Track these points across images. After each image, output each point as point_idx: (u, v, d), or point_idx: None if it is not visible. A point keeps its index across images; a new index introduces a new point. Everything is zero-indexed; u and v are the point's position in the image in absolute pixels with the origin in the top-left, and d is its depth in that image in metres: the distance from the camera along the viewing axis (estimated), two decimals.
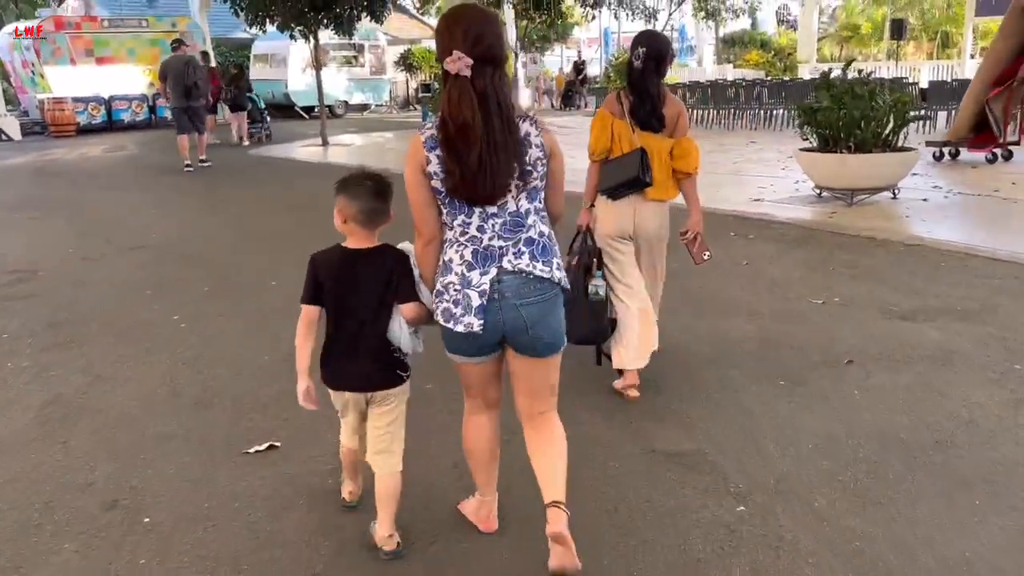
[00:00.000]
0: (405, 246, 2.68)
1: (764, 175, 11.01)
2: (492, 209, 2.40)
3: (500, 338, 2.49)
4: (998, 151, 10.98)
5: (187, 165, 13.03)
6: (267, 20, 16.69)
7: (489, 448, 2.77)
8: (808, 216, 8.04)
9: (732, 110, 19.07)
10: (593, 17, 30.43)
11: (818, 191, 8.90)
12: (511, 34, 24.88)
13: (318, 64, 17.72)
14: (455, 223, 2.44)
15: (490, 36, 2.36)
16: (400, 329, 2.62)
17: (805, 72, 30.27)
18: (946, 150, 11.37)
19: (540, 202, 2.48)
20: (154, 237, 8.13)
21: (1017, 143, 11.13)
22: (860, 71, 8.75)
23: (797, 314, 5.05)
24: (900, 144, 8.45)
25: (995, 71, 10.79)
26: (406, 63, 30.33)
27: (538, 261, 2.44)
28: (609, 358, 4.05)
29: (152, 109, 23.54)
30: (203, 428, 3.79)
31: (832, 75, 8.62)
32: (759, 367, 4.26)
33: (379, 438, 2.74)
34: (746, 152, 13.72)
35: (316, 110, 19.26)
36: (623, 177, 3.74)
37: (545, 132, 2.45)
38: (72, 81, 22.02)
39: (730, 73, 29.52)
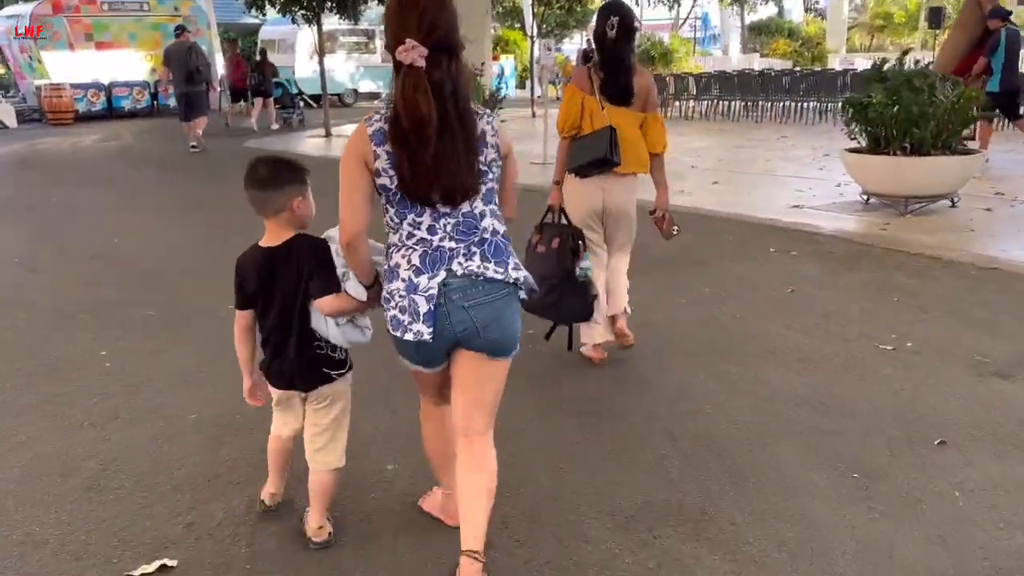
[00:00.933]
0: (331, 233, 2.49)
1: (800, 176, 9.98)
2: (445, 208, 2.25)
3: (453, 345, 2.33)
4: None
5: (192, 146, 13.58)
6: (266, 3, 15.80)
7: (450, 444, 2.54)
8: (857, 228, 7.02)
9: (760, 102, 18.00)
10: None
11: (865, 197, 7.87)
12: (527, 19, 23.91)
13: (321, 50, 16.79)
14: (404, 223, 2.27)
15: (445, 23, 2.17)
16: (325, 323, 2.48)
17: (835, 62, 29.10)
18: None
19: (495, 204, 2.36)
20: (115, 244, 7.23)
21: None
22: (917, 61, 7.71)
23: (860, 364, 4.06)
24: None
25: (952, 64, 10.35)
26: None
27: (490, 262, 2.29)
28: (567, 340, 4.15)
29: (154, 96, 22.68)
30: (86, 528, 2.85)
31: (886, 65, 7.57)
32: (819, 445, 3.28)
33: (315, 436, 2.65)
34: (777, 148, 12.68)
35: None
36: (591, 156, 3.71)
37: (502, 131, 2.33)
38: (70, 67, 21.18)
39: (756, 62, 28.38)
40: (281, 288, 2.51)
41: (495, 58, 24.65)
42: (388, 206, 2.28)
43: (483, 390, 2.40)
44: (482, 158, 2.25)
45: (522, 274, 2.33)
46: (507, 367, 2.42)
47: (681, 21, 41.18)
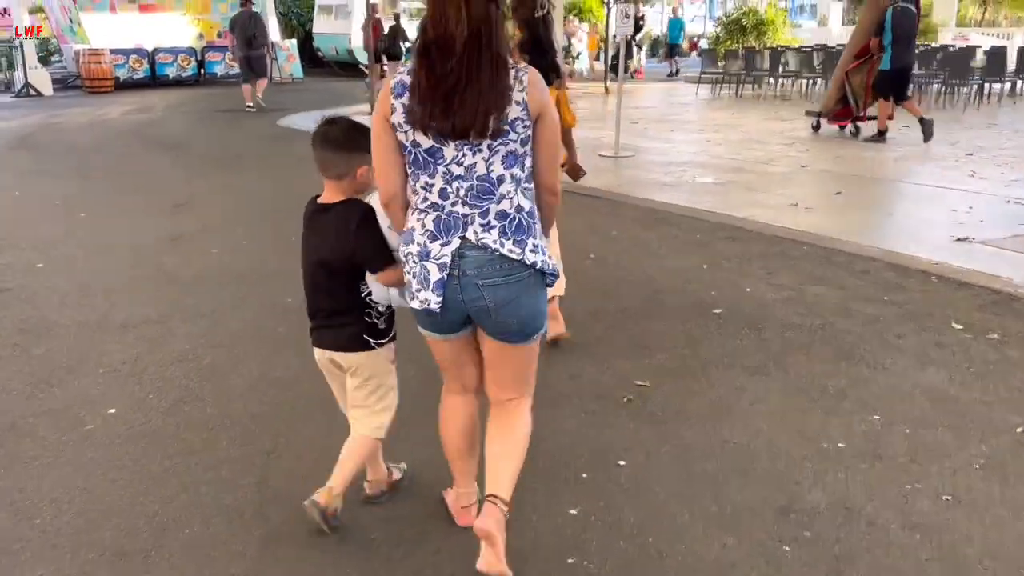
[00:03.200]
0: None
1: (949, 184, 7.67)
2: (458, 171, 2.11)
3: (465, 317, 2.23)
4: (860, 124, 10.97)
5: (248, 106, 14.65)
6: None
7: (464, 435, 2.48)
8: None
9: None
10: None
11: None
12: None
13: (372, 13, 14.92)
14: (418, 185, 2.17)
15: None
16: (386, 291, 2.40)
17: (947, 37, 25.85)
18: (823, 121, 11.32)
19: (522, 171, 2.16)
20: (35, 270, 5.43)
21: (862, 118, 10.93)
22: None
23: None
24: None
25: (860, 44, 10.74)
26: None
27: (508, 239, 2.14)
28: None
29: (200, 64, 21.19)
30: None
31: None
32: None
33: (353, 407, 2.56)
34: (904, 142, 10.26)
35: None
36: None
37: (533, 88, 2.10)
38: (111, 31, 19.82)
39: None
40: (318, 246, 2.43)
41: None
42: (407, 166, 2.17)
43: (508, 370, 2.36)
44: (505, 113, 2.05)
45: (540, 258, 2.18)
46: (529, 349, 2.33)
47: None
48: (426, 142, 2.08)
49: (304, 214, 2.48)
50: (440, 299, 2.14)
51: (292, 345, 3.85)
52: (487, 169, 2.09)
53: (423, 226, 2.16)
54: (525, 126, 2.09)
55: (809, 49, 18.09)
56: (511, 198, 2.13)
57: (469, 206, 2.12)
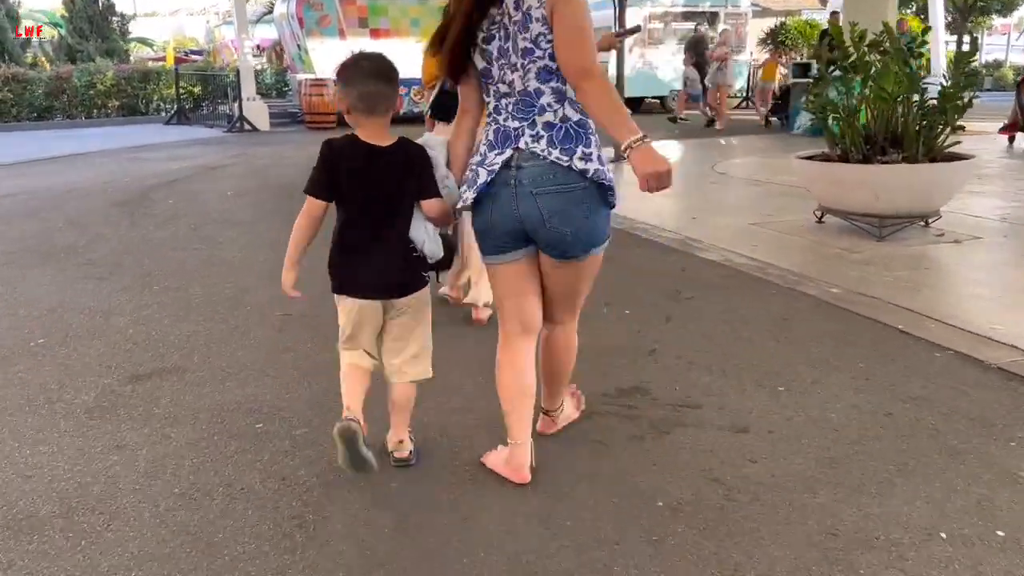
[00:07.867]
0: (427, 139, 2.54)
1: None
2: (504, 88, 2.33)
3: (521, 233, 2.37)
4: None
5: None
6: None
7: (522, 382, 2.56)
8: None
9: None
10: None
11: None
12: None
13: (623, 32, 10.95)
14: (488, 104, 2.41)
15: None
16: (424, 230, 2.48)
17: None
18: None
19: (561, 83, 2.29)
20: None
21: None
22: None
23: None
24: None
25: None
26: (775, 40, 22.33)
27: (556, 148, 2.28)
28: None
29: None
30: None
31: None
32: None
33: (406, 347, 2.53)
34: None
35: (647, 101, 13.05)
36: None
37: None
38: (340, 59, 17.40)
39: None
40: (385, 186, 2.41)
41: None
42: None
43: (561, 286, 2.50)
44: (528, 34, 2.24)
45: (593, 166, 2.27)
46: (582, 268, 2.44)
47: None
48: (480, 63, 2.33)
49: (347, 154, 2.39)
50: (475, 195, 2.32)
51: None
52: (524, 84, 2.28)
53: (486, 137, 2.37)
54: (547, 40, 2.22)
55: None
56: (554, 110, 2.28)
57: (517, 119, 2.31)
